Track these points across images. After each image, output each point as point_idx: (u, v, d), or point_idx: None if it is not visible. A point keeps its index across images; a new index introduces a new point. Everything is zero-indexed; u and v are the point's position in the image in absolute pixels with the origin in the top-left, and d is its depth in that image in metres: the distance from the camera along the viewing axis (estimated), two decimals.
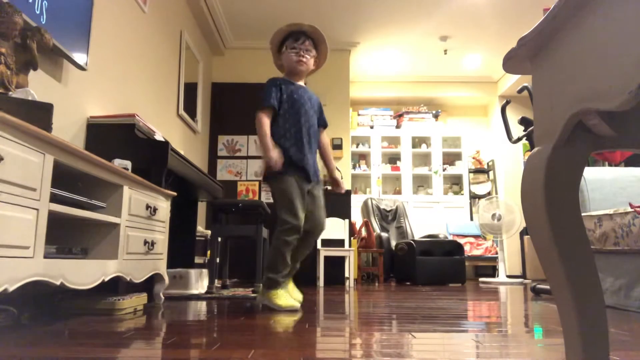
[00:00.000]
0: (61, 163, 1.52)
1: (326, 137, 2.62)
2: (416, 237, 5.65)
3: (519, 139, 3.56)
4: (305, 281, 4.16)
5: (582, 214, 1.91)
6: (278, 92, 2.37)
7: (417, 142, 6.56)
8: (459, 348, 1.27)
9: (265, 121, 2.31)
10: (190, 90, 4.44)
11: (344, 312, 2.10)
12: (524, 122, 3.50)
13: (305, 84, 2.55)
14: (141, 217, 2.13)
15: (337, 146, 5.40)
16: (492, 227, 5.07)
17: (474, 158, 6.64)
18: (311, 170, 2.36)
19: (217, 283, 3.47)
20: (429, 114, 6.57)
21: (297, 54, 2.40)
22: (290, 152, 2.31)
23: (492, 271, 6.04)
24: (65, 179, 1.80)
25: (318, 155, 2.54)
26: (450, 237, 5.84)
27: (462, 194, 6.39)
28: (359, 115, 6.60)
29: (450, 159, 6.60)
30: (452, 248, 4.80)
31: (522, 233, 6.02)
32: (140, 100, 3.24)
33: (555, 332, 1.57)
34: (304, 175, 2.33)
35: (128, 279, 1.99)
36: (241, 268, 4.47)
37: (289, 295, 2.26)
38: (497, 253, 5.66)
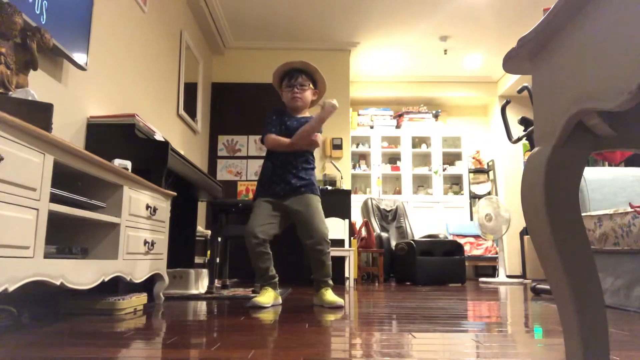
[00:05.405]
0: (61, 163, 1.52)
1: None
2: (416, 237, 5.65)
3: (519, 139, 3.56)
4: (305, 281, 4.16)
5: (582, 214, 1.91)
6: (277, 121, 2.55)
7: (417, 142, 6.56)
8: (459, 348, 1.27)
9: (274, 137, 2.49)
10: (190, 90, 4.44)
11: (344, 312, 2.10)
12: (524, 122, 3.50)
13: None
14: (141, 217, 2.13)
15: (337, 146, 5.40)
16: (484, 227, 5.07)
17: (474, 158, 6.64)
18: (279, 188, 2.47)
19: (217, 283, 3.47)
20: (429, 114, 6.56)
21: (292, 91, 2.54)
22: (264, 183, 2.51)
23: (492, 271, 6.04)
24: (65, 179, 1.80)
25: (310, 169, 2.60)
26: (450, 237, 5.84)
27: (462, 194, 6.39)
28: (359, 115, 6.60)
29: (450, 159, 6.60)
30: (452, 248, 4.80)
31: (522, 233, 6.02)
32: (140, 100, 3.24)
33: (555, 332, 1.57)
34: (272, 194, 2.47)
35: (128, 279, 1.99)
36: (241, 268, 4.47)
37: (269, 295, 2.36)
38: (497, 253, 5.66)
